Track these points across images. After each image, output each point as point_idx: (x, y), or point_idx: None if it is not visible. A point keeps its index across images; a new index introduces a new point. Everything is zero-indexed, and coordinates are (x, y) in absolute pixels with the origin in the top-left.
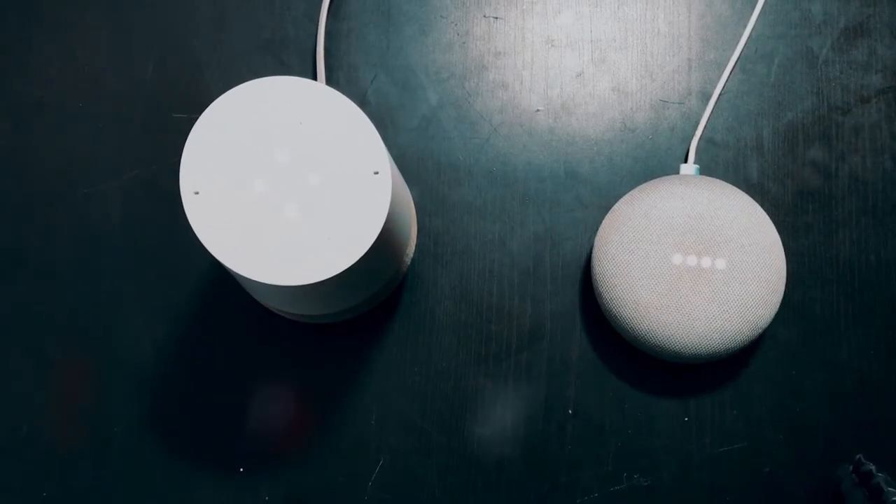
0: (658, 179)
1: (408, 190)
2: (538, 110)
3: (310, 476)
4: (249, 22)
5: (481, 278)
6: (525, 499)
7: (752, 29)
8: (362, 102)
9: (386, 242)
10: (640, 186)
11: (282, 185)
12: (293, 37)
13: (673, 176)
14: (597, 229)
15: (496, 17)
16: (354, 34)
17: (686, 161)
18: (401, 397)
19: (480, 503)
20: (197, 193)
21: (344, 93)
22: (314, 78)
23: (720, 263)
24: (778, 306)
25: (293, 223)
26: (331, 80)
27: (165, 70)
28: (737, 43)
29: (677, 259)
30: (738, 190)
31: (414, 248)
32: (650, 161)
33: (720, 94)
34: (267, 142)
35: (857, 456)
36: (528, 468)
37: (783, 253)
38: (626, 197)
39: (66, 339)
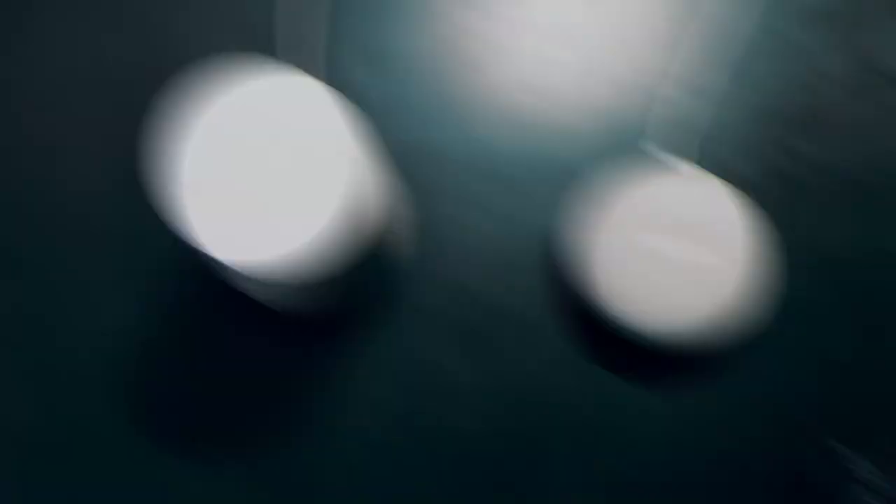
0: (636, 167)
1: (389, 179)
2: (517, 97)
3: (298, 471)
4: (232, 12)
5: (463, 268)
6: (513, 493)
7: (737, 16)
8: (338, 88)
9: (366, 232)
10: (618, 174)
11: (261, 176)
12: (272, 26)
13: (651, 163)
14: (575, 218)
15: (474, 2)
16: (335, 21)
17: (664, 149)
18: (390, 392)
19: (470, 497)
20: (180, 186)
21: (324, 83)
22: (295, 69)
23: (700, 252)
24: (759, 296)
25: (273, 214)
26: (311, 70)
27: (138, 53)
28: (721, 31)
29: (656, 247)
30: (716, 178)
31: (397, 238)
32: (628, 149)
33: (701, 82)
34: (247, 133)
35: (829, 440)
36: (515, 462)
37: (762, 242)
38: (604, 185)
39: (52, 336)
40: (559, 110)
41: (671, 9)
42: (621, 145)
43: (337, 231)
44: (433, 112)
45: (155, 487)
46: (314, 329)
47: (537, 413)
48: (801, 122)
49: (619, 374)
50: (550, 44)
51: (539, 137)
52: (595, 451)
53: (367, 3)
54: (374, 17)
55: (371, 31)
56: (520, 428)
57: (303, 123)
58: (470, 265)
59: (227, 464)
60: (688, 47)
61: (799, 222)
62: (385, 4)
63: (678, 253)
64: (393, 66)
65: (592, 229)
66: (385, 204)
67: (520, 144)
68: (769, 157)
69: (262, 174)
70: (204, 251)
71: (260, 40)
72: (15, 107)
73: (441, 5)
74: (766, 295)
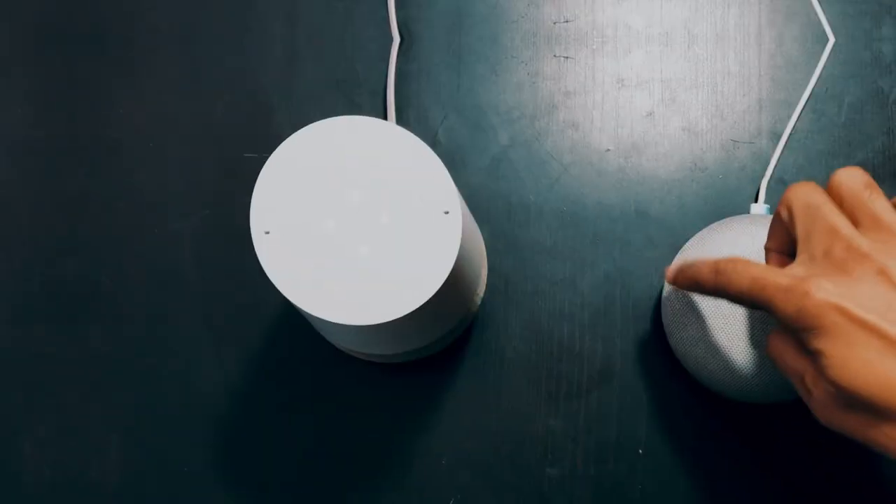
0: (729, 219)
1: (478, 230)
2: (608, 150)
3: None
4: (321, 62)
5: (552, 318)
6: None
7: (822, 69)
8: (433, 142)
9: (456, 282)
10: (711, 226)
11: (352, 225)
12: (364, 77)
13: (744, 216)
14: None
15: (566, 57)
16: (425, 74)
17: (756, 201)
18: (471, 437)
19: None
20: (268, 233)
21: (414, 132)
22: (384, 118)
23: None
24: None
25: (364, 263)
26: (401, 120)
27: (236, 110)
28: (807, 83)
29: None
30: None
31: (484, 287)
32: (721, 201)
33: (790, 134)
34: (337, 181)
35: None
36: None
37: None
38: (697, 237)
39: (137, 379)
40: (653, 164)
41: (763, 61)
42: (718, 200)
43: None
44: (525, 164)
45: None
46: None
47: (626, 462)
48: (894, 175)
49: (712, 428)
50: (645, 99)
51: (633, 190)
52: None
53: (466, 58)
54: (470, 70)
55: (467, 84)
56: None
57: (398, 174)
58: (559, 315)
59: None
60: (783, 104)
61: None
62: (485, 60)
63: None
64: (489, 121)
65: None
66: (478, 253)
67: (613, 198)
68: None
69: (355, 223)
70: (295, 302)
71: (351, 92)
72: (122, 162)
73: (539, 62)
74: None
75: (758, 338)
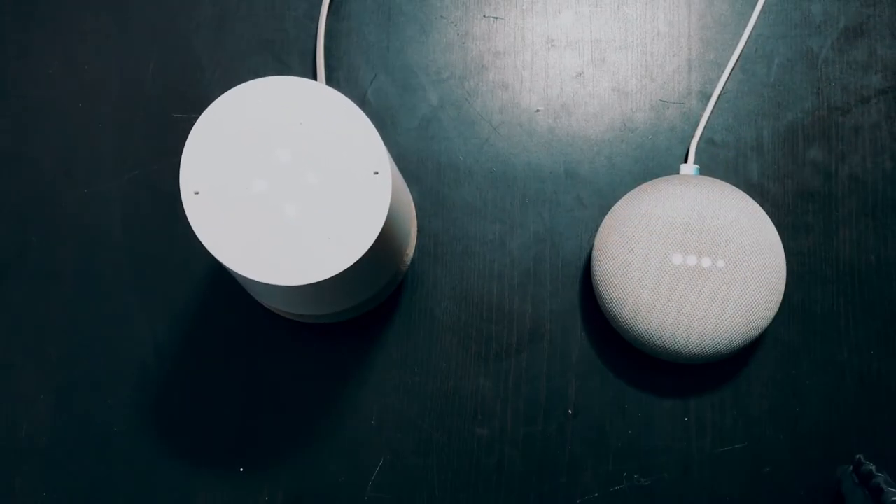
0: (658, 179)
1: (408, 190)
2: (538, 110)
3: (310, 476)
4: (249, 22)
5: (481, 278)
6: (525, 499)
7: (752, 29)
8: (362, 102)
9: (386, 242)
10: (640, 186)
11: (282, 185)
12: (293, 37)
13: (673, 176)
14: (597, 229)
15: (496, 17)
16: (355, 34)
17: (686, 161)
18: (401, 397)
19: (480, 503)
20: (197, 193)
21: (344, 93)
22: (314, 78)
23: (720, 263)
24: (778, 306)
25: (293, 223)
26: (331, 80)
27: (165, 70)
28: (737, 43)
29: (677, 259)
30: (738, 190)
31: (414, 248)
32: (650, 161)
33: (720, 95)
34: (267, 142)
35: (857, 456)
36: (528, 468)
37: (783, 253)
38: (626, 197)
39: (66, 340)
40: (582, 124)
41: (693, 22)
42: (648, 160)
43: (359, 240)
44: (454, 125)
45: (172, 490)
46: (328, 336)
47: (556, 421)
48: (823, 136)
49: (640, 386)
50: (575, 60)
51: (562, 151)
52: (616, 464)
53: (396, 19)
54: (400, 31)
55: (397, 45)
56: (535, 434)
57: (327, 134)
58: (489, 275)
59: (243, 467)
60: (712, 64)
61: (820, 234)
62: (415, 20)
63: (702, 266)
64: (418, 81)
65: (615, 241)
66: (408, 213)
67: (543, 158)
68: (792, 170)
69: (284, 184)
70: (224, 262)
71: (280, 52)
72: (50, 122)
73: (469, 23)
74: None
75: (686, 297)
